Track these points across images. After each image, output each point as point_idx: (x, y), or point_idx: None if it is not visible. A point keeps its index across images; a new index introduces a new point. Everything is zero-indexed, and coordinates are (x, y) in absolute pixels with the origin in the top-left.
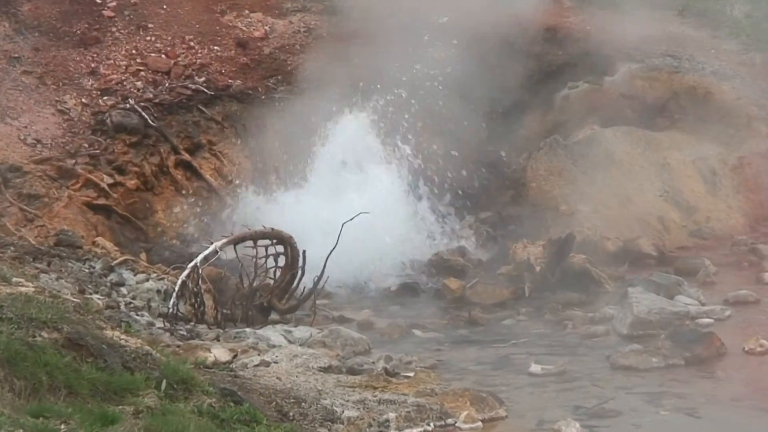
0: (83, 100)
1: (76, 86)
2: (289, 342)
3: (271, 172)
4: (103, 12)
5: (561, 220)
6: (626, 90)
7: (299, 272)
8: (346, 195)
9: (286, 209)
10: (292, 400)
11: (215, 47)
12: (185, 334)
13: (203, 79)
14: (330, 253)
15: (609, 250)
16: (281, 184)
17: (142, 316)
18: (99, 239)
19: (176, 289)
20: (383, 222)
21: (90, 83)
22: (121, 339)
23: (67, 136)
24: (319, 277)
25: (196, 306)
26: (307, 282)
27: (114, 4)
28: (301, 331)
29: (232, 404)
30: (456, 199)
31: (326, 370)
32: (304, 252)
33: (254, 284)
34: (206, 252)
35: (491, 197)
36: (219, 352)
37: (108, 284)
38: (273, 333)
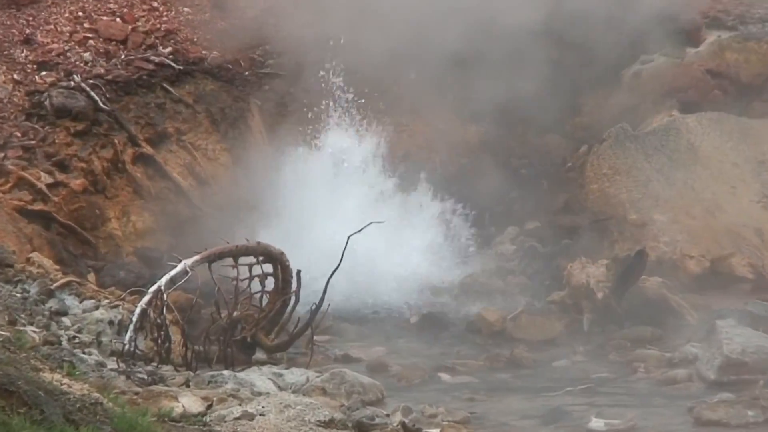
0: (15, 76)
1: (6, 59)
2: (280, 388)
3: (258, 170)
4: None
5: (630, 232)
6: (714, 65)
7: (292, 298)
8: (348, 201)
9: (278, 220)
10: None
11: (185, 9)
12: (145, 377)
13: (169, 49)
14: (333, 272)
15: (692, 272)
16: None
17: (90, 354)
18: (35, 255)
19: (134, 319)
20: (399, 233)
21: (23, 55)
22: (62, 384)
23: None
24: (318, 305)
25: (159, 342)
26: (302, 311)
27: None
28: (295, 375)
29: None
30: (495, 203)
31: (327, 424)
32: (299, 273)
33: (234, 314)
34: (173, 272)
35: (540, 202)
36: (189, 401)
37: (46, 313)
38: (259, 377)
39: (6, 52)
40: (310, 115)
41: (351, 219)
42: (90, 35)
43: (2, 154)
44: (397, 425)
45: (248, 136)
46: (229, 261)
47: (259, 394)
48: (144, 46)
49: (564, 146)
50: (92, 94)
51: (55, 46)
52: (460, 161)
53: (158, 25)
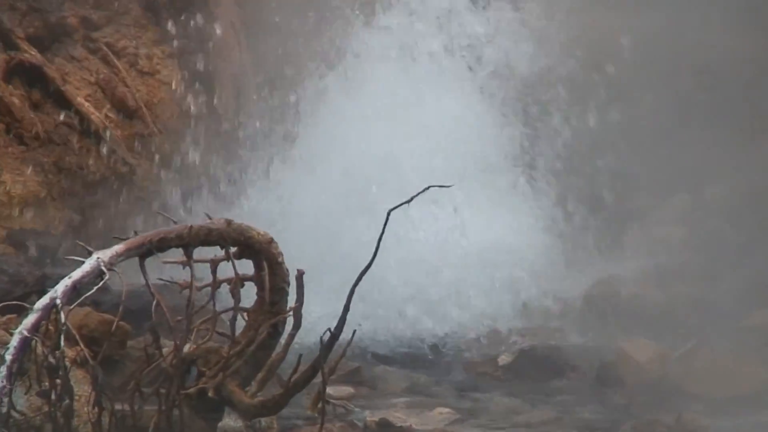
0: None
1: None
2: None
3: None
4: None
5: None
6: None
7: (289, 321)
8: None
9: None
10: None
11: None
12: None
13: None
14: (362, 274)
15: None
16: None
17: None
18: None
19: (7, 358)
20: (476, 217)
21: None
22: None
23: None
24: (336, 332)
25: (53, 397)
26: (307, 342)
27: None
28: None
29: None
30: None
31: None
32: (300, 276)
33: (186, 348)
34: (78, 274)
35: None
36: None
37: None
38: None
39: None
40: None
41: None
42: None
43: None
44: None
45: (210, 32)
46: (178, 254)
47: None
48: None
49: None
50: None
51: None
52: None
53: None
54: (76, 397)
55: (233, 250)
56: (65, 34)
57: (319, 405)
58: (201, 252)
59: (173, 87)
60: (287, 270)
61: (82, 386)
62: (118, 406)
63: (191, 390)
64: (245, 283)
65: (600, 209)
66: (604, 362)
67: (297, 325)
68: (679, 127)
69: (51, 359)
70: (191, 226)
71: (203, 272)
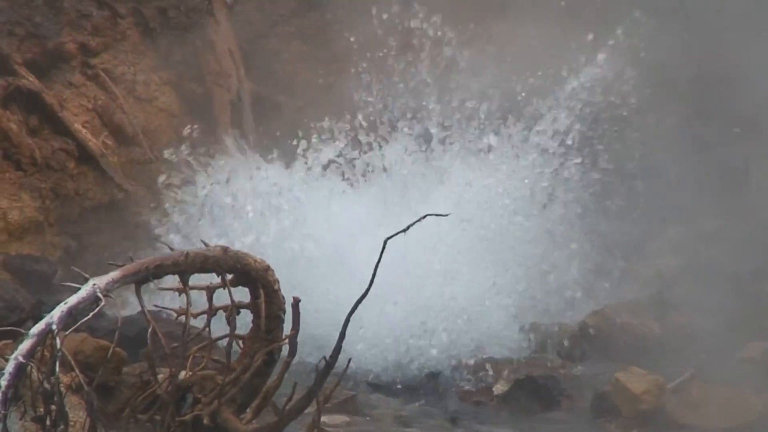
0: None
1: None
2: None
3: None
4: None
5: None
6: None
7: (284, 349)
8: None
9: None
10: None
11: None
12: None
13: None
14: (359, 302)
15: None
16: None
17: None
18: None
19: (2, 384)
20: (474, 244)
21: None
22: None
23: None
24: (331, 360)
25: (47, 423)
26: (302, 370)
27: None
28: None
29: None
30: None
31: None
32: (296, 303)
33: (182, 375)
34: (73, 300)
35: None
36: None
37: None
38: None
39: None
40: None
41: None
42: None
43: None
44: None
45: (209, 58)
46: (174, 281)
47: None
48: None
49: None
50: None
51: None
52: None
53: None
54: (71, 423)
55: (229, 277)
56: (63, 60)
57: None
58: (197, 279)
59: (171, 113)
60: (283, 298)
61: (77, 412)
62: None
63: (186, 417)
64: (241, 310)
65: (595, 240)
66: (599, 392)
67: (292, 353)
68: (671, 162)
69: (46, 385)
70: (188, 253)
71: (199, 300)
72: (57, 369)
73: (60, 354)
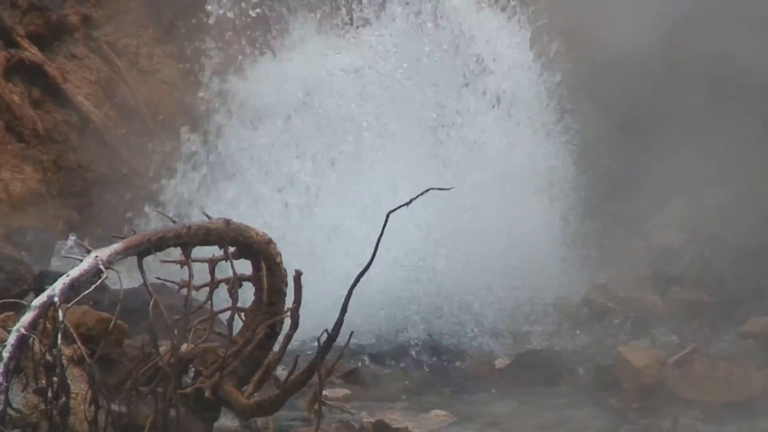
0: None
1: None
2: None
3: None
4: None
5: None
6: None
7: (286, 321)
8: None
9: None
10: None
11: None
12: None
13: None
14: (361, 274)
15: None
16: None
17: None
18: None
19: (4, 355)
20: (479, 219)
21: None
22: None
23: None
24: (333, 333)
25: (49, 395)
26: (304, 341)
27: None
28: None
29: None
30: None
31: None
32: (298, 276)
33: (183, 348)
34: (76, 272)
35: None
36: None
37: None
38: None
39: None
40: None
41: None
42: None
43: None
44: None
45: (212, 32)
46: (176, 254)
47: None
48: None
49: None
50: None
51: None
52: None
53: None
54: (73, 396)
55: (232, 250)
56: (66, 33)
57: (316, 406)
58: (199, 251)
59: (173, 86)
60: (285, 271)
61: (78, 384)
62: (116, 406)
63: (188, 389)
64: (243, 283)
65: (598, 214)
66: (601, 366)
67: (294, 326)
68: (678, 134)
69: (48, 357)
70: (190, 226)
71: (201, 272)
72: (59, 341)
73: (62, 326)
